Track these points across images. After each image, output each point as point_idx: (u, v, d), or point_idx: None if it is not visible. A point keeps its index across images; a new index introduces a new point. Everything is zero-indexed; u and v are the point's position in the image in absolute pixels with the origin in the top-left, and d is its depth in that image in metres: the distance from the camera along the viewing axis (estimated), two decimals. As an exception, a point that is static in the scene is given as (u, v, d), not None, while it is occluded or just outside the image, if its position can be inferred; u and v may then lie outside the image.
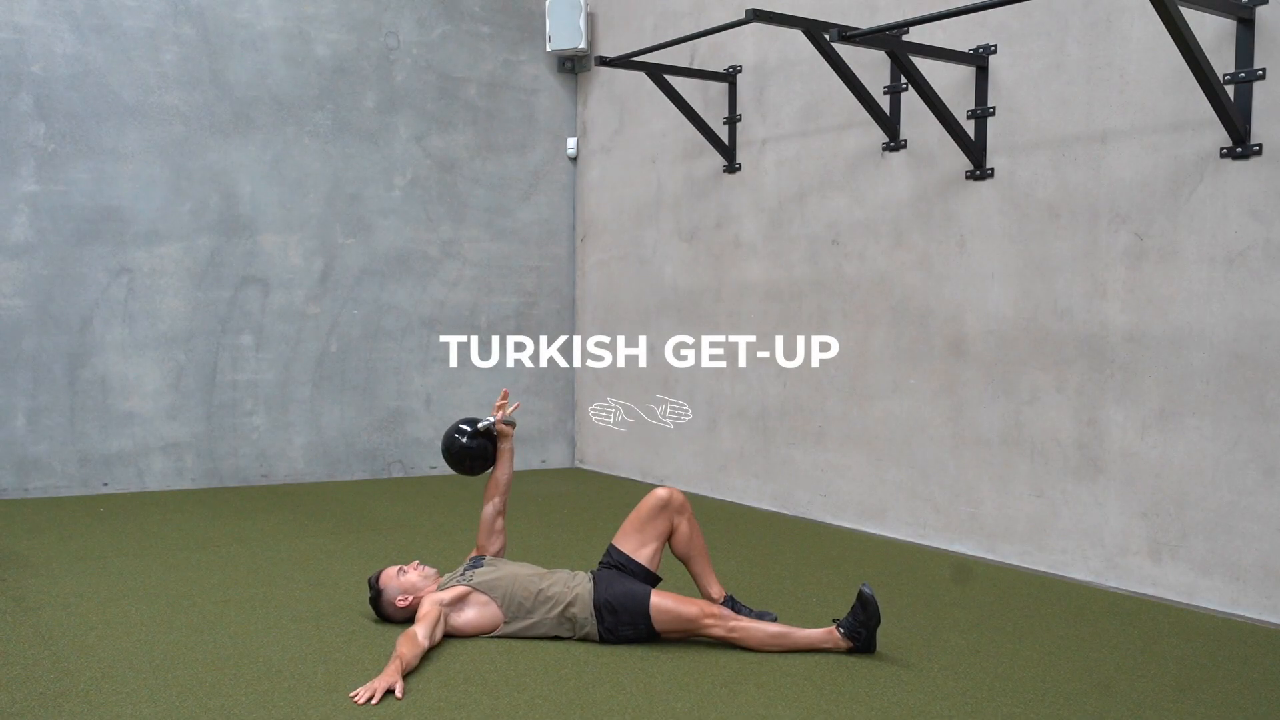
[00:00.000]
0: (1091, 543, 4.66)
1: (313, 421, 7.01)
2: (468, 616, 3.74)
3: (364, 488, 6.87)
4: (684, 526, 3.93)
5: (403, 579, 3.89)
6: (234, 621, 3.94)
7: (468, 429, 4.16)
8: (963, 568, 4.91)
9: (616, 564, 3.86)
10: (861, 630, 3.58)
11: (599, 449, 7.59)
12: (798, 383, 6.05)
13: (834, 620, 3.69)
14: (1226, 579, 4.22)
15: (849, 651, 3.61)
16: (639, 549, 3.87)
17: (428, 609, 3.67)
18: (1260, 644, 3.83)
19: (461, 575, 3.85)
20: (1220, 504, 4.23)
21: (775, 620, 3.84)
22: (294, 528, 5.60)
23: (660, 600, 3.69)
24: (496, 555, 4.09)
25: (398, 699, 3.19)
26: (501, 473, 4.15)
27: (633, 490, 6.84)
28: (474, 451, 4.14)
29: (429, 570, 3.94)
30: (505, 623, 3.75)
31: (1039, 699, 3.27)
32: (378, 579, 3.93)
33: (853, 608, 3.62)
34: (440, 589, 3.82)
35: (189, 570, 4.67)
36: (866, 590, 3.58)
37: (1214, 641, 3.86)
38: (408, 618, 3.82)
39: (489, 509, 4.13)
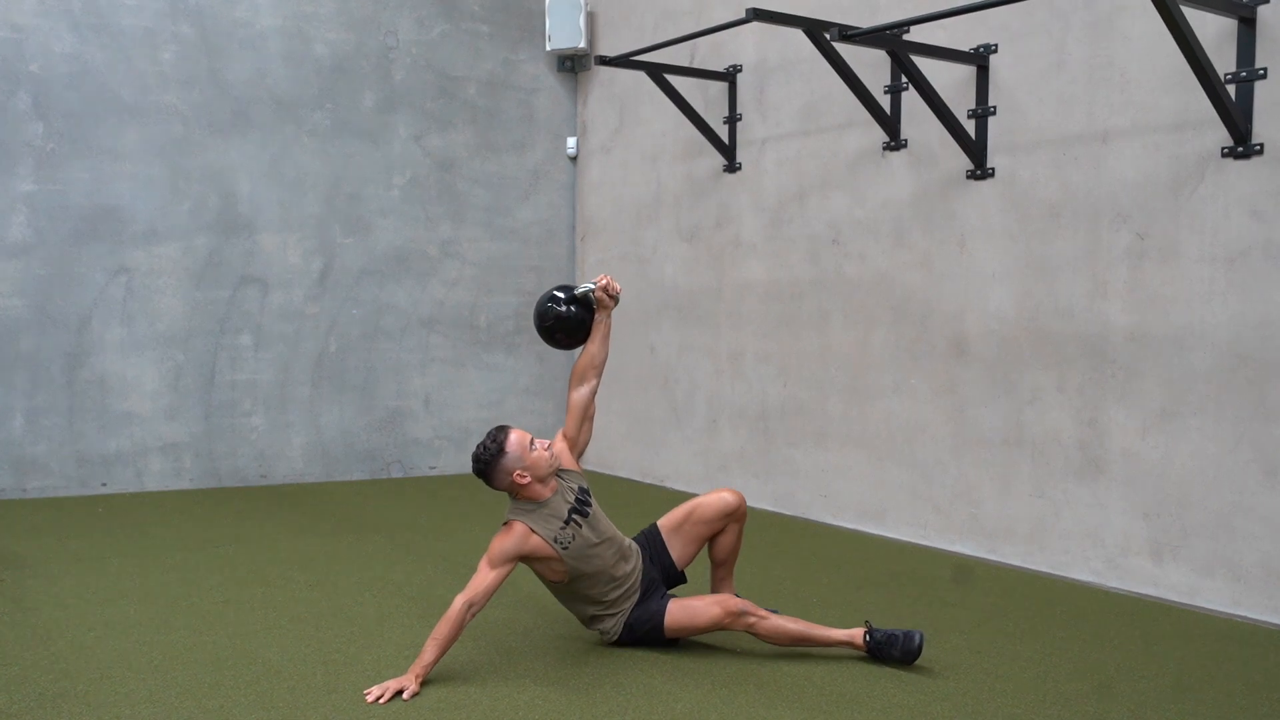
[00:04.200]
0: (1093, 543, 4.65)
1: (311, 422, 7.00)
2: (536, 567, 3.55)
3: (363, 488, 6.86)
4: (733, 535, 3.84)
5: (534, 454, 3.45)
6: (233, 622, 3.93)
7: (563, 295, 3.71)
8: (963, 569, 4.90)
9: (657, 561, 3.73)
10: (883, 655, 3.54)
11: (599, 449, 7.58)
12: (798, 383, 6.04)
13: (867, 623, 3.64)
14: (1228, 579, 4.21)
15: (862, 652, 3.59)
16: (685, 548, 3.76)
17: (494, 569, 3.37)
18: (1261, 644, 3.82)
19: (564, 525, 3.48)
20: (1222, 504, 4.23)
21: (777, 614, 3.83)
22: (293, 528, 5.58)
23: (675, 617, 3.62)
24: (585, 446, 3.75)
25: (404, 700, 3.19)
26: (597, 349, 3.71)
27: (633, 490, 6.84)
28: (568, 321, 3.70)
29: (556, 461, 3.54)
30: (556, 585, 3.61)
31: (1039, 699, 3.26)
32: (506, 438, 3.45)
33: (895, 635, 3.53)
34: (536, 520, 3.46)
35: (188, 570, 4.66)
36: (919, 640, 3.50)
37: (1215, 642, 3.85)
38: (508, 491, 3.50)
39: (583, 392, 3.71)
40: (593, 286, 3.71)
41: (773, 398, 6.20)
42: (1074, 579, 4.69)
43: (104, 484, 6.44)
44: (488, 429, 4.02)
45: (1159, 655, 3.70)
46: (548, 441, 3.53)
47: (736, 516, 3.81)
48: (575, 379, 3.74)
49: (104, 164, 6.39)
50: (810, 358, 5.95)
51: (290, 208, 6.90)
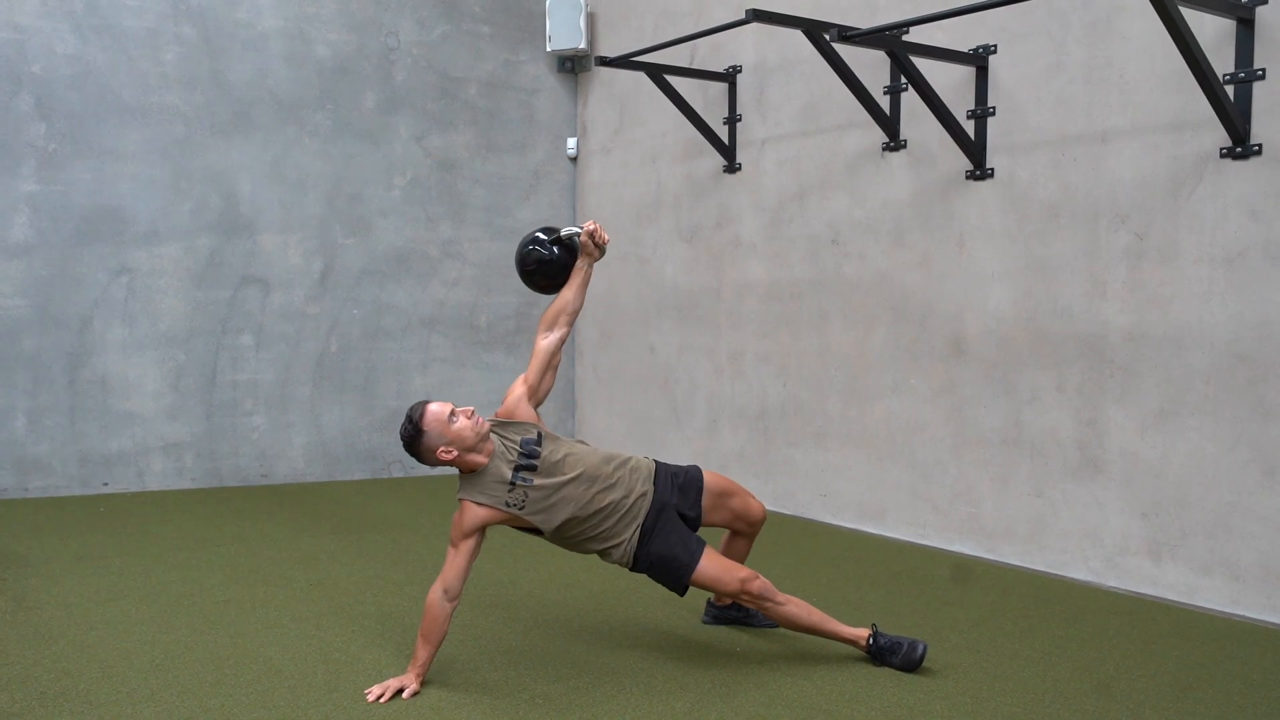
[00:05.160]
0: (1091, 543, 4.66)
1: (313, 421, 7.02)
2: (511, 526, 3.47)
3: (364, 488, 6.87)
4: (744, 546, 3.82)
5: (454, 426, 3.31)
6: (234, 621, 3.94)
7: (546, 238, 3.57)
8: (962, 568, 4.91)
9: (689, 493, 3.61)
10: (884, 660, 3.52)
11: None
12: (798, 383, 6.05)
13: (873, 626, 3.62)
14: (1226, 579, 4.22)
15: (864, 653, 3.59)
16: (711, 511, 3.67)
17: (457, 550, 3.31)
18: (1260, 644, 3.83)
19: (510, 487, 3.37)
20: (1220, 504, 4.24)
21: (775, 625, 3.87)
22: (294, 528, 5.60)
23: (705, 574, 3.49)
24: (546, 395, 3.64)
25: (404, 699, 3.20)
26: (573, 296, 3.60)
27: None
28: (551, 265, 3.58)
29: (483, 427, 3.37)
30: (545, 538, 3.52)
31: (1039, 699, 3.27)
32: (422, 416, 3.32)
33: (899, 643, 3.50)
34: (481, 490, 3.36)
35: (189, 570, 4.67)
36: (921, 651, 3.47)
37: (1214, 641, 3.86)
38: (441, 465, 3.39)
39: (552, 339, 3.60)
40: (578, 231, 3.55)
41: (772, 398, 6.21)
42: (1073, 578, 4.70)
43: (106, 483, 6.45)
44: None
45: (1158, 655, 3.71)
46: (470, 409, 3.38)
47: (751, 530, 3.80)
48: (545, 324, 3.61)
49: (106, 164, 6.40)
50: (810, 358, 5.96)
51: (291, 208, 6.91)
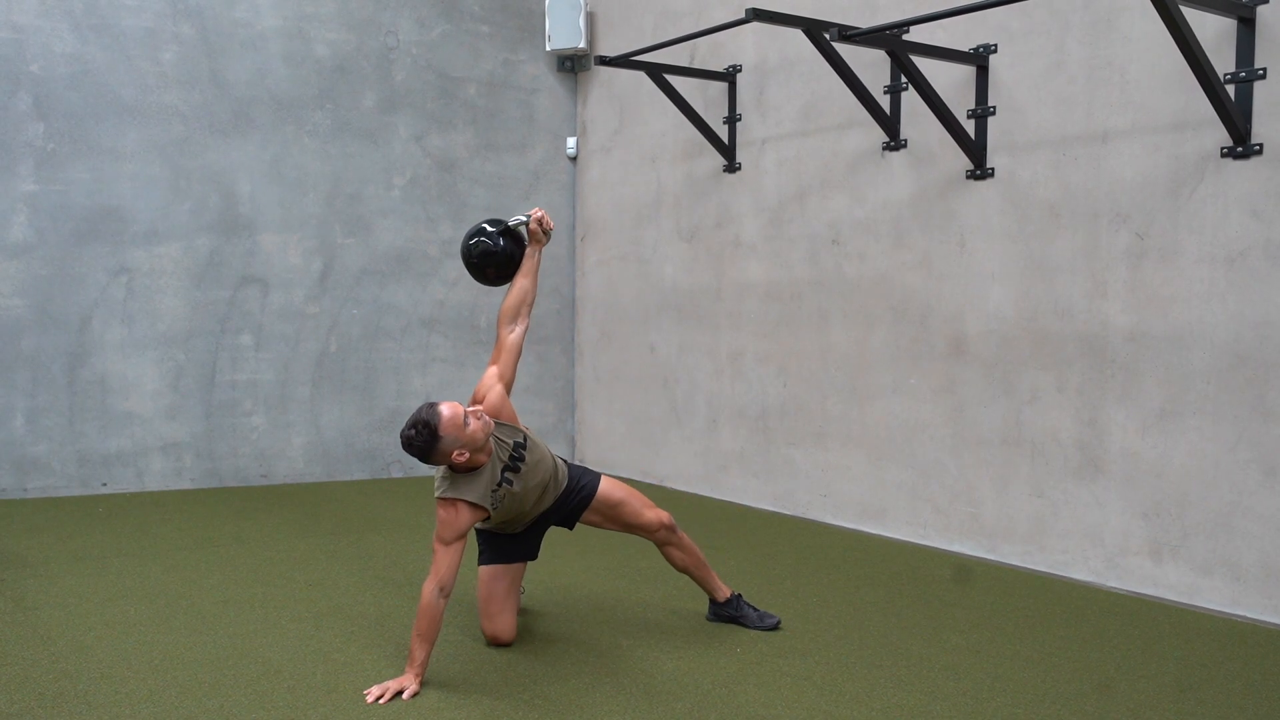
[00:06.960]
0: (1092, 543, 4.65)
1: (312, 421, 7.01)
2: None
3: (363, 488, 6.86)
4: (678, 550, 3.87)
5: (469, 430, 3.30)
6: (233, 621, 3.93)
7: (492, 229, 3.62)
8: (963, 569, 4.90)
9: (571, 503, 3.76)
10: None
11: (599, 449, 7.58)
12: (798, 383, 6.05)
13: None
14: (1227, 579, 4.22)
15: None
16: (605, 522, 3.82)
17: (449, 546, 3.33)
18: (1261, 644, 3.83)
19: (496, 488, 3.45)
20: (1221, 504, 4.23)
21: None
22: (293, 528, 5.59)
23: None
24: (511, 384, 3.66)
25: (404, 700, 3.19)
26: (530, 284, 3.65)
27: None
28: (498, 255, 3.62)
29: (490, 425, 3.40)
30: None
31: (1039, 699, 3.26)
32: (439, 422, 3.27)
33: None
34: (473, 490, 3.40)
35: (188, 570, 4.67)
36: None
37: (1214, 641, 3.85)
38: (453, 467, 3.42)
39: (519, 332, 3.65)
40: (525, 219, 3.63)
41: (772, 398, 6.21)
42: (1073, 579, 4.69)
43: (105, 484, 6.45)
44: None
45: (1159, 655, 3.70)
46: (478, 409, 3.39)
47: (655, 538, 3.85)
48: (508, 317, 3.65)
49: (105, 164, 6.39)
50: (810, 358, 5.96)
51: (291, 208, 6.90)
